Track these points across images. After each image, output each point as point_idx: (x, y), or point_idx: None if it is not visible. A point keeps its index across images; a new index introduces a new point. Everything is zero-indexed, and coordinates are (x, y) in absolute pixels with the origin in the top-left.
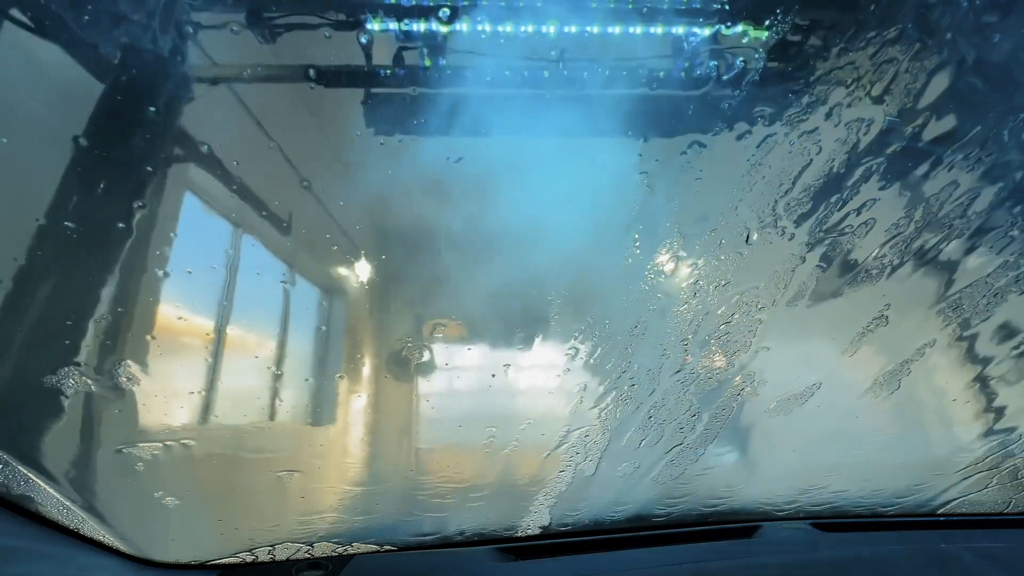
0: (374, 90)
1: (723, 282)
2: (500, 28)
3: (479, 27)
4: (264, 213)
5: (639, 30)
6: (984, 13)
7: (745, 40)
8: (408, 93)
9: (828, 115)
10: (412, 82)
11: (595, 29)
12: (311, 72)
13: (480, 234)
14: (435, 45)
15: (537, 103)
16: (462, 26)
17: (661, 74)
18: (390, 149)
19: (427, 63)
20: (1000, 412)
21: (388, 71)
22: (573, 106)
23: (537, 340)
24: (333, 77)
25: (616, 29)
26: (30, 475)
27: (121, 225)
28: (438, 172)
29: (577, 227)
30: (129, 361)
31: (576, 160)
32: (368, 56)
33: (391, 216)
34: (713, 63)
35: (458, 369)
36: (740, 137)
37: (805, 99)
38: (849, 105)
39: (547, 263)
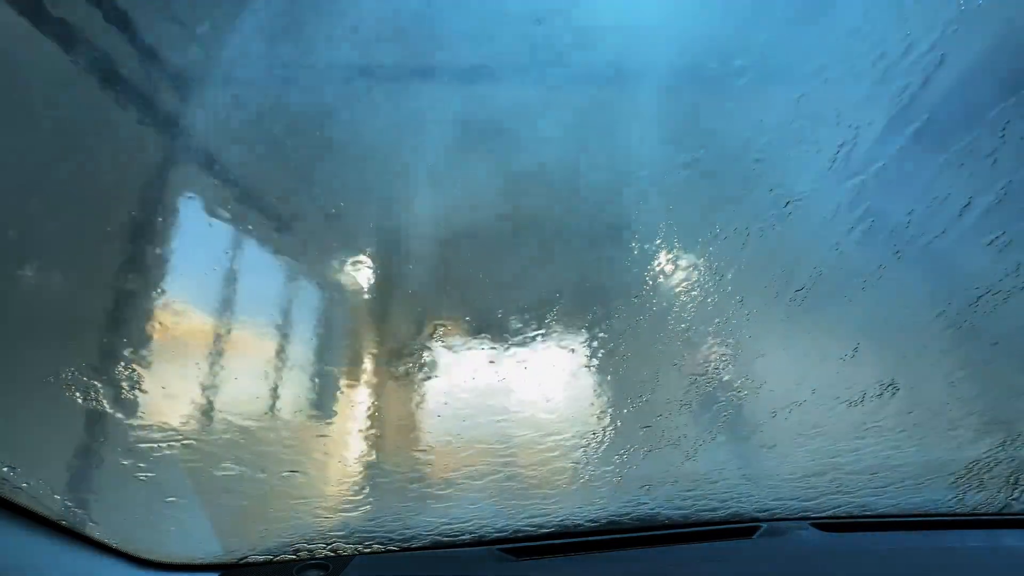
0: None
1: (723, 281)
2: None
3: None
4: (264, 213)
5: None
6: None
7: None
8: None
9: (828, 114)
10: None
11: None
12: None
13: (479, 230)
14: None
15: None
16: None
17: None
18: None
19: None
20: (999, 412)
21: None
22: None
23: (538, 339)
24: None
25: None
26: (30, 475)
27: (122, 224)
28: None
29: (578, 225)
30: (130, 361)
31: (576, 157)
32: None
33: (390, 213)
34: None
35: (458, 369)
36: (740, 138)
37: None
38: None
39: (547, 262)
